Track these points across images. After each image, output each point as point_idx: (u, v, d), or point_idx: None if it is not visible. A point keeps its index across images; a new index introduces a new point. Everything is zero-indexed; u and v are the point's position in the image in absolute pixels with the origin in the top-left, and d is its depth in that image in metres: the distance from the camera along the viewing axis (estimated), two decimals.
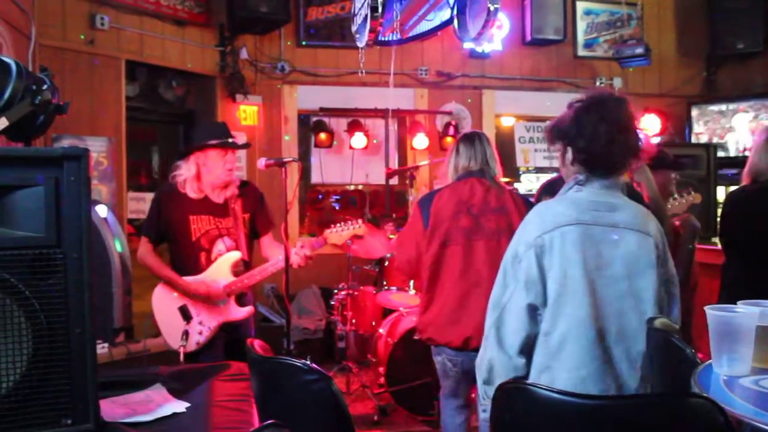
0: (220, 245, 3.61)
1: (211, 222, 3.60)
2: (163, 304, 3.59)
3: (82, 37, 5.87)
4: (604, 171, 2.24)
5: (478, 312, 2.74)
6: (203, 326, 3.55)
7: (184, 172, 3.59)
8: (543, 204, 2.34)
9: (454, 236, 3.22)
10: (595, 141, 2.20)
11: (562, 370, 2.10)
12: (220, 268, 3.59)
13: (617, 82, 8.29)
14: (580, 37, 8.33)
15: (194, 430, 1.72)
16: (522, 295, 2.16)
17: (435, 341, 3.26)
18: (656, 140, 7.73)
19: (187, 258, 3.60)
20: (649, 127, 7.86)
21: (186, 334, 3.47)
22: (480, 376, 2.25)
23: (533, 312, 2.15)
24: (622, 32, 8.27)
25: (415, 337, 3.54)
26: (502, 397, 1.58)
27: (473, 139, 3.43)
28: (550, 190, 2.68)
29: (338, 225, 3.61)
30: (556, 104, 8.33)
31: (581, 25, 8.33)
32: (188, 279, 3.55)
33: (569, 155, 2.30)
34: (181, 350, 3.41)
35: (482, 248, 3.18)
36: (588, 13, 8.37)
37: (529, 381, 2.09)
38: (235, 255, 3.61)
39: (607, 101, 2.28)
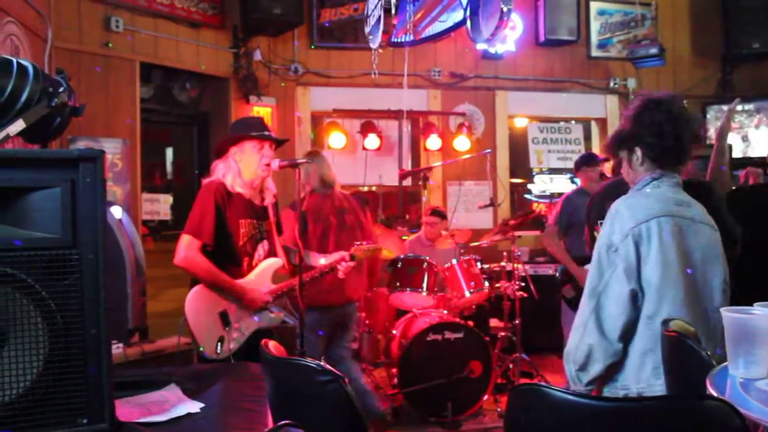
0: (260, 250, 3.54)
1: (254, 226, 3.51)
2: (202, 309, 3.38)
3: (110, 45, 5.91)
4: (674, 164, 2.42)
5: (350, 282, 4.24)
6: (241, 333, 3.43)
7: (224, 169, 3.46)
8: (629, 198, 2.45)
9: (328, 230, 4.34)
10: (665, 136, 2.37)
11: None
12: (264, 275, 3.51)
13: (631, 83, 8.26)
14: (594, 38, 8.30)
15: (208, 430, 1.72)
16: (622, 281, 2.26)
17: (320, 304, 4.25)
18: None
19: (231, 262, 3.44)
20: None
21: (222, 340, 3.34)
22: (575, 363, 2.33)
23: (634, 297, 2.25)
24: (636, 32, 8.24)
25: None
26: (516, 399, 1.58)
27: (320, 155, 4.66)
28: (614, 193, 2.79)
29: (362, 243, 3.85)
30: (570, 105, 8.34)
31: (595, 26, 8.30)
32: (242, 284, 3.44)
33: (637, 157, 2.44)
34: (224, 356, 3.30)
35: (346, 237, 4.30)
36: (602, 13, 8.33)
37: (631, 364, 2.27)
38: (278, 262, 3.56)
39: (666, 97, 2.43)
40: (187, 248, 3.35)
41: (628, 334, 2.27)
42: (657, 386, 2.21)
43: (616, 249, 2.29)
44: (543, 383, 1.51)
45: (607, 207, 2.77)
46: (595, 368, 2.28)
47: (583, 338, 2.30)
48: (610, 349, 2.26)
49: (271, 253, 3.60)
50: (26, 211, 1.48)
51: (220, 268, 3.40)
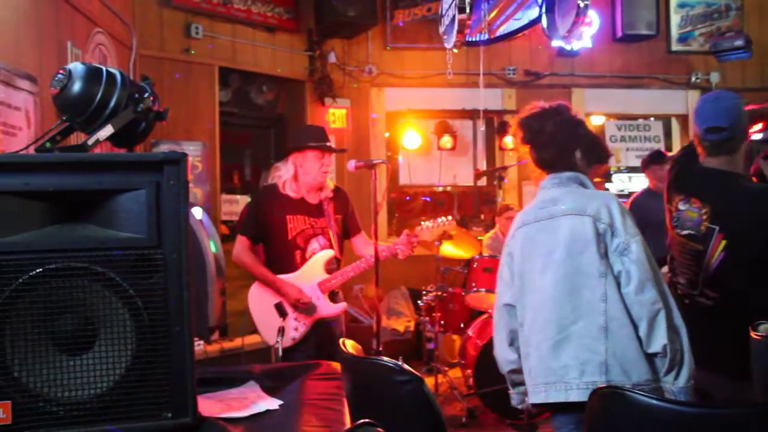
0: (314, 244, 3.70)
1: (306, 221, 3.69)
2: (260, 301, 3.68)
3: (192, 52, 6.10)
4: (549, 168, 2.49)
5: None
6: (299, 322, 3.63)
7: (283, 172, 3.70)
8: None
9: None
10: (536, 142, 2.51)
11: (533, 352, 2.32)
12: (314, 266, 3.68)
13: (714, 77, 7.97)
14: (674, 31, 8.04)
15: (287, 427, 1.74)
16: (502, 296, 2.49)
17: None
18: (757, 137, 7.36)
19: (282, 256, 3.68)
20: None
21: (282, 330, 3.53)
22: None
23: (511, 310, 2.45)
24: (720, 24, 7.94)
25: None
26: (597, 402, 1.55)
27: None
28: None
29: (428, 222, 3.75)
30: (649, 102, 8.11)
31: (675, 19, 8.03)
32: (283, 278, 3.64)
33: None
34: (278, 346, 3.47)
35: None
36: (682, 6, 8.06)
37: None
38: (329, 253, 3.70)
39: (547, 109, 2.55)
40: (238, 245, 3.73)
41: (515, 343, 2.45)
42: (530, 388, 2.33)
43: (501, 267, 2.53)
44: (627, 387, 1.47)
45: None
46: (506, 375, 2.53)
47: (494, 348, 2.57)
48: (505, 357, 2.49)
49: (329, 248, 3.72)
50: (114, 212, 1.53)
51: (273, 261, 3.70)
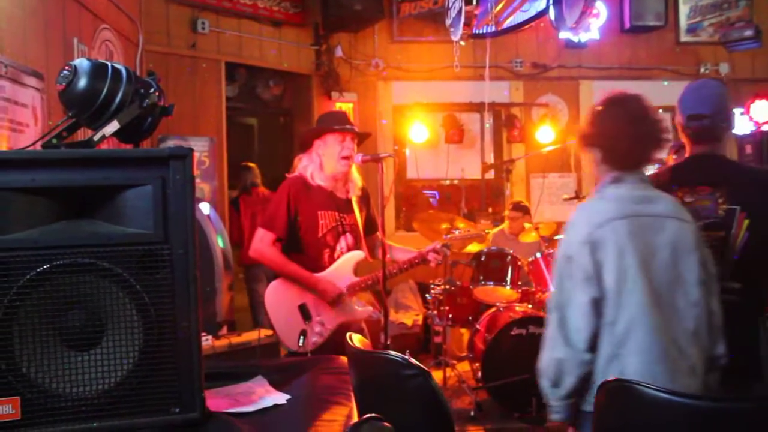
0: (342, 242, 3.54)
1: (336, 218, 3.51)
2: (281, 301, 3.48)
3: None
4: (632, 167, 2.34)
5: None
6: (324, 327, 3.44)
7: (307, 162, 3.54)
8: (586, 203, 2.41)
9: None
10: (619, 138, 2.33)
11: (632, 355, 2.15)
12: (344, 267, 3.51)
13: (723, 68, 7.92)
14: (683, 22, 7.99)
15: (295, 421, 1.75)
16: (583, 291, 2.20)
17: None
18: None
19: (310, 254, 3.48)
20: (759, 114, 7.43)
21: (304, 334, 3.36)
22: (548, 378, 2.27)
23: (596, 306, 2.19)
24: (729, 14, 7.89)
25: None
26: (605, 395, 1.54)
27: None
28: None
29: (458, 231, 3.68)
30: (658, 94, 7.94)
31: (684, 9, 7.99)
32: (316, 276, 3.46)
33: (597, 158, 2.40)
34: (301, 351, 3.30)
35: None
36: None
37: (598, 372, 2.17)
38: (359, 255, 3.55)
39: (623, 98, 2.44)
40: (259, 241, 3.48)
41: (594, 343, 2.20)
42: None
43: (572, 259, 2.23)
44: (633, 380, 1.46)
45: None
46: (568, 381, 2.21)
47: (552, 353, 2.24)
48: (579, 359, 2.19)
49: (356, 246, 3.59)
50: (121, 207, 1.53)
51: (299, 260, 3.46)
